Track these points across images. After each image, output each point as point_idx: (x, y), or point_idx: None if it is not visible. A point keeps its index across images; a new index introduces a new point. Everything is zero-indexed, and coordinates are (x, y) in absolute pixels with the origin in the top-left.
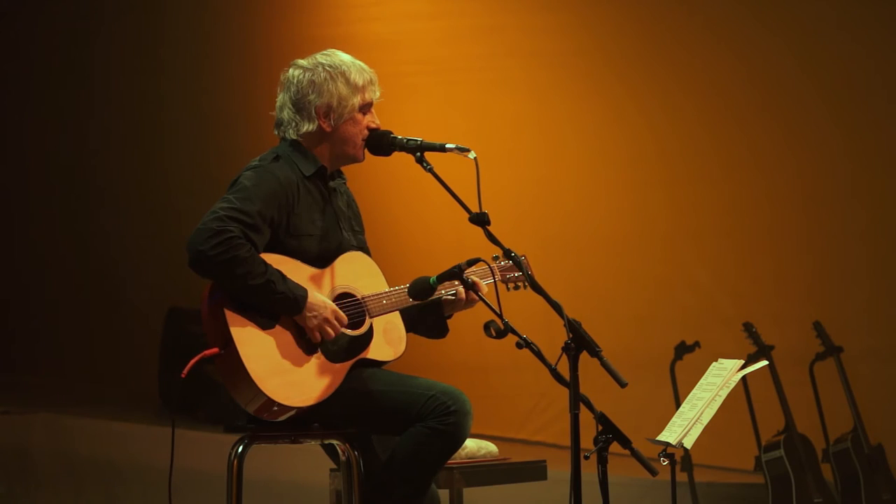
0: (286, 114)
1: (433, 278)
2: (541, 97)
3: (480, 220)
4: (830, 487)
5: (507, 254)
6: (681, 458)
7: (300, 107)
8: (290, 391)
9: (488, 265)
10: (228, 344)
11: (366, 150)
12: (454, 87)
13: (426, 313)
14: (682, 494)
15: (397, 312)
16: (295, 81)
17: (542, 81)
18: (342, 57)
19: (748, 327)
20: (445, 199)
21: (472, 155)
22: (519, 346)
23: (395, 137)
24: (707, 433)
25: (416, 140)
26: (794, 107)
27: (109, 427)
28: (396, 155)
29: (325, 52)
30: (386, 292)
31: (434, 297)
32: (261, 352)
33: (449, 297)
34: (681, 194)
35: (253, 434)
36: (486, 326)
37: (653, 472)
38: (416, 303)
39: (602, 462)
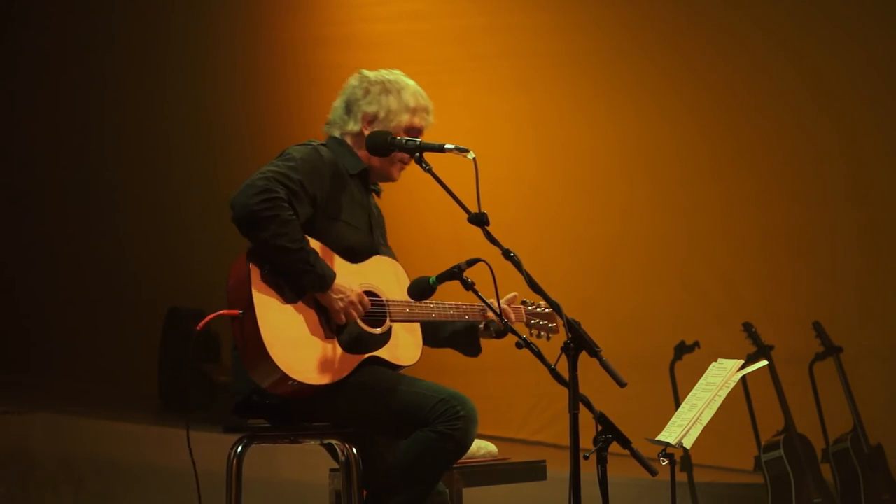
0: (337, 114)
1: (433, 278)
2: (539, 97)
3: (479, 220)
4: (830, 487)
5: (506, 254)
6: (680, 458)
7: (350, 109)
8: (295, 364)
9: (487, 265)
10: (249, 307)
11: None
12: (453, 87)
13: (459, 333)
14: (681, 494)
15: (418, 323)
16: (352, 86)
17: (540, 82)
18: (405, 79)
19: (748, 327)
20: (444, 200)
21: (471, 155)
22: (519, 346)
23: (394, 138)
24: (707, 433)
25: (415, 140)
26: (790, 107)
27: (109, 427)
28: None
29: (392, 70)
30: (411, 303)
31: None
32: (277, 320)
33: (480, 323)
34: (679, 194)
35: (252, 434)
36: (486, 326)
37: (652, 473)
38: (437, 320)
39: (601, 462)
